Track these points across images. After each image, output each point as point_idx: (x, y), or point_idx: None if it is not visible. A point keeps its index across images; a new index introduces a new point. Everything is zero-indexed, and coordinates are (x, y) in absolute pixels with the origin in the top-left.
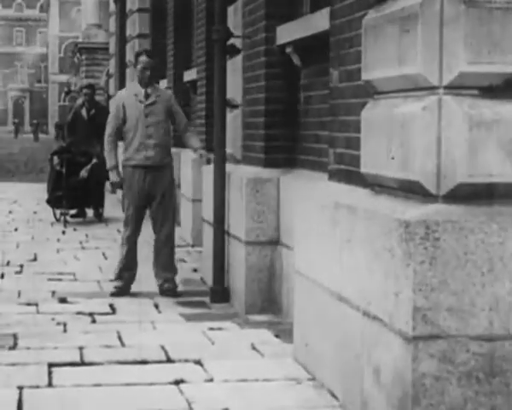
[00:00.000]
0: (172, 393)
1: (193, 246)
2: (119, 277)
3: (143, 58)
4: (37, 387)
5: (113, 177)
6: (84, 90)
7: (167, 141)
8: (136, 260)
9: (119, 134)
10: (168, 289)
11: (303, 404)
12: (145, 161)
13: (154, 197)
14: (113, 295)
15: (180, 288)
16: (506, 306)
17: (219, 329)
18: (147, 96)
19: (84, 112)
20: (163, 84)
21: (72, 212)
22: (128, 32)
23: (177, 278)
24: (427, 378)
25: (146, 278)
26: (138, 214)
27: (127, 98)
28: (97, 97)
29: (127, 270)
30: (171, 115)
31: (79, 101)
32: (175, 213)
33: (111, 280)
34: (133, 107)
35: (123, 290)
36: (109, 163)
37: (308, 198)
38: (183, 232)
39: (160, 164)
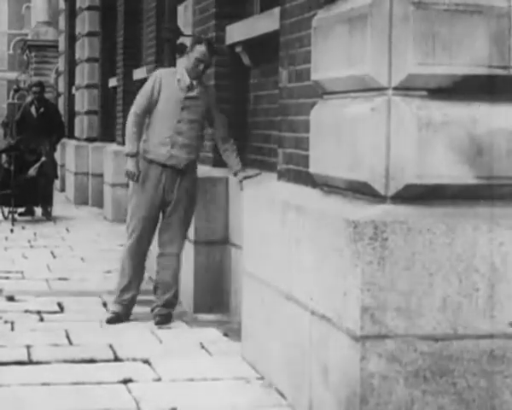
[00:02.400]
0: (120, 392)
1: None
2: (118, 300)
3: (202, 49)
4: None
5: (129, 165)
6: (34, 89)
7: (199, 144)
8: (141, 279)
9: (145, 117)
10: (165, 316)
11: (251, 403)
12: (167, 159)
13: (168, 205)
14: (109, 322)
15: None
16: (453, 306)
17: (168, 328)
18: (191, 86)
19: (33, 110)
20: (112, 82)
21: (21, 210)
22: (78, 29)
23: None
24: (375, 378)
25: (94, 275)
26: (148, 221)
27: (168, 79)
28: (47, 95)
29: (128, 291)
30: (210, 117)
31: (29, 99)
32: (187, 230)
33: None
34: (171, 92)
35: (120, 316)
36: (128, 148)
37: (257, 198)
38: None
39: (183, 168)
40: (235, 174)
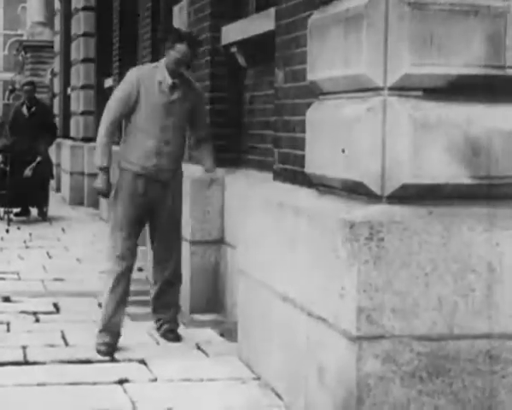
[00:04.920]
0: (116, 392)
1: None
2: (105, 328)
3: (183, 48)
4: None
5: (100, 181)
6: (25, 88)
7: (183, 149)
8: (126, 301)
9: (120, 125)
10: (171, 331)
11: (247, 404)
12: (155, 172)
13: (160, 215)
14: (100, 352)
15: None
16: (449, 306)
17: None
18: (173, 88)
19: (24, 110)
20: (108, 83)
21: (16, 210)
22: (73, 30)
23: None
24: (372, 378)
25: (89, 275)
26: (133, 238)
27: (148, 82)
28: (42, 96)
29: (114, 316)
30: (192, 118)
31: (21, 99)
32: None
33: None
34: (153, 97)
35: (112, 346)
36: (99, 161)
37: (253, 198)
38: None
39: (171, 177)
40: (206, 171)
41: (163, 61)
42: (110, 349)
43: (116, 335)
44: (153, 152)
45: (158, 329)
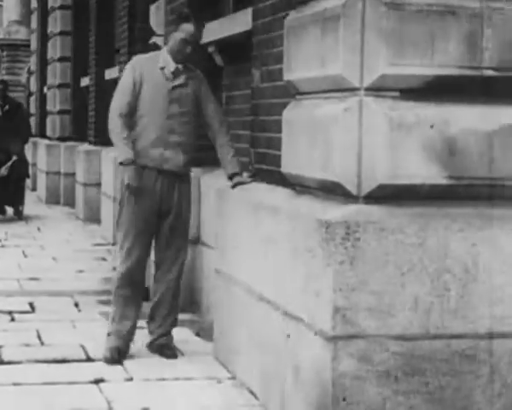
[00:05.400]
0: (92, 392)
1: (113, 244)
2: (114, 332)
3: (189, 28)
4: None
5: (129, 177)
6: None
7: (193, 140)
8: (140, 306)
9: (131, 115)
10: (168, 347)
11: (223, 403)
12: (161, 163)
13: (166, 216)
14: (108, 361)
15: (100, 286)
16: (425, 306)
17: (139, 327)
18: (177, 73)
19: None
20: (84, 81)
21: None
22: (50, 29)
23: (98, 277)
24: (347, 378)
25: (65, 275)
26: (146, 236)
27: (150, 69)
28: (18, 94)
29: (124, 320)
30: (200, 106)
31: None
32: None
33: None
34: (156, 84)
35: (122, 353)
36: (124, 154)
37: (229, 198)
38: (103, 230)
39: (180, 171)
40: (230, 178)
41: (165, 48)
42: (116, 357)
43: (124, 339)
44: (158, 142)
45: (151, 343)
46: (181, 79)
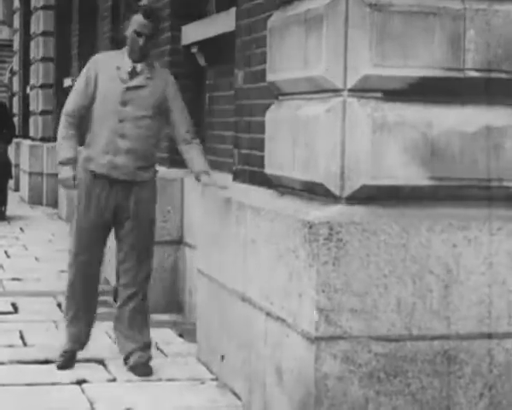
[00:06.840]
0: (75, 393)
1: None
2: (70, 338)
3: (139, 18)
4: None
5: (64, 172)
6: None
7: (151, 147)
8: (94, 312)
9: (83, 118)
10: (143, 364)
11: (206, 404)
12: (110, 170)
13: (122, 226)
14: (60, 367)
15: None
16: (408, 307)
17: None
18: (133, 73)
19: None
20: (67, 82)
21: None
22: (32, 29)
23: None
24: (330, 379)
25: (48, 275)
26: (92, 245)
27: (106, 68)
28: (0, 94)
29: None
30: (165, 110)
31: None
32: (153, 251)
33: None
34: (109, 83)
35: (72, 357)
36: (62, 154)
37: (213, 198)
38: None
39: (132, 178)
40: (197, 177)
41: (125, 49)
42: (67, 361)
43: (75, 343)
44: (107, 146)
45: (126, 359)
46: (138, 80)
